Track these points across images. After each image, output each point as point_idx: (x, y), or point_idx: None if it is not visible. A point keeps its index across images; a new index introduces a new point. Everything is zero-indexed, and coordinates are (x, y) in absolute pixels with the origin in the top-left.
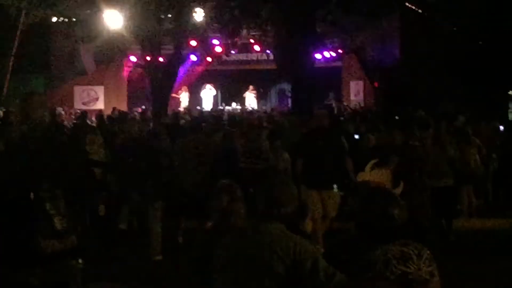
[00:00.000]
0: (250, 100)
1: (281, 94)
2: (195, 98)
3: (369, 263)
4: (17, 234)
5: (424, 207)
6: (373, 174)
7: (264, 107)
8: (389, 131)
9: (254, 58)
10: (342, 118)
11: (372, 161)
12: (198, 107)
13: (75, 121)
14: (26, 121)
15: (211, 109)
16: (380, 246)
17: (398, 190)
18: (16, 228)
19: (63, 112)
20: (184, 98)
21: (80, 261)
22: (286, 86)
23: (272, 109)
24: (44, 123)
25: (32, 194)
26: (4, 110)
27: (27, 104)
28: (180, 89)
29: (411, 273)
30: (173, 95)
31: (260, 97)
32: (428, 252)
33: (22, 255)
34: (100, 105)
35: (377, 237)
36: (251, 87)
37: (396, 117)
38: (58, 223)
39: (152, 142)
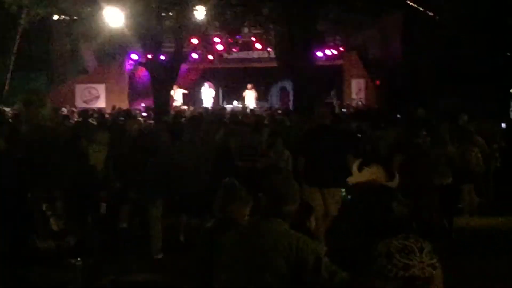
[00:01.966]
0: (249, 98)
1: (282, 92)
2: (195, 96)
3: (371, 257)
4: (14, 233)
5: (432, 205)
6: (365, 174)
7: (266, 105)
8: (391, 129)
9: (256, 56)
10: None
11: (357, 162)
12: (203, 105)
13: (76, 120)
14: (27, 122)
15: (212, 107)
16: (382, 241)
17: (394, 183)
18: (12, 228)
19: (65, 110)
20: (178, 95)
21: (79, 259)
22: (288, 84)
23: (270, 108)
24: (46, 123)
25: (29, 194)
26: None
27: (28, 105)
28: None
29: (413, 265)
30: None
31: (261, 95)
32: (430, 245)
33: (19, 254)
34: (101, 103)
35: (376, 231)
36: (249, 85)
37: (398, 115)
38: (54, 223)
39: (153, 140)
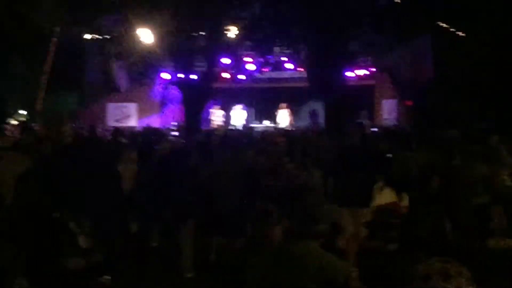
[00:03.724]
0: (282, 117)
1: (313, 112)
2: (226, 116)
3: (410, 277)
4: (42, 252)
5: (469, 226)
6: (381, 197)
7: (304, 125)
8: (424, 150)
9: (287, 76)
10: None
11: (379, 185)
12: (232, 125)
13: (108, 138)
14: (47, 141)
15: (243, 127)
16: (422, 261)
17: (404, 203)
18: (40, 247)
19: (100, 130)
20: (217, 116)
21: (107, 277)
22: (318, 104)
23: (307, 128)
24: (66, 142)
25: (56, 213)
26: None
27: (47, 124)
28: (212, 107)
29: None
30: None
31: (293, 115)
32: (469, 272)
33: (47, 273)
34: (132, 122)
35: (422, 251)
36: (283, 105)
37: (430, 137)
38: (82, 241)
39: (184, 159)
